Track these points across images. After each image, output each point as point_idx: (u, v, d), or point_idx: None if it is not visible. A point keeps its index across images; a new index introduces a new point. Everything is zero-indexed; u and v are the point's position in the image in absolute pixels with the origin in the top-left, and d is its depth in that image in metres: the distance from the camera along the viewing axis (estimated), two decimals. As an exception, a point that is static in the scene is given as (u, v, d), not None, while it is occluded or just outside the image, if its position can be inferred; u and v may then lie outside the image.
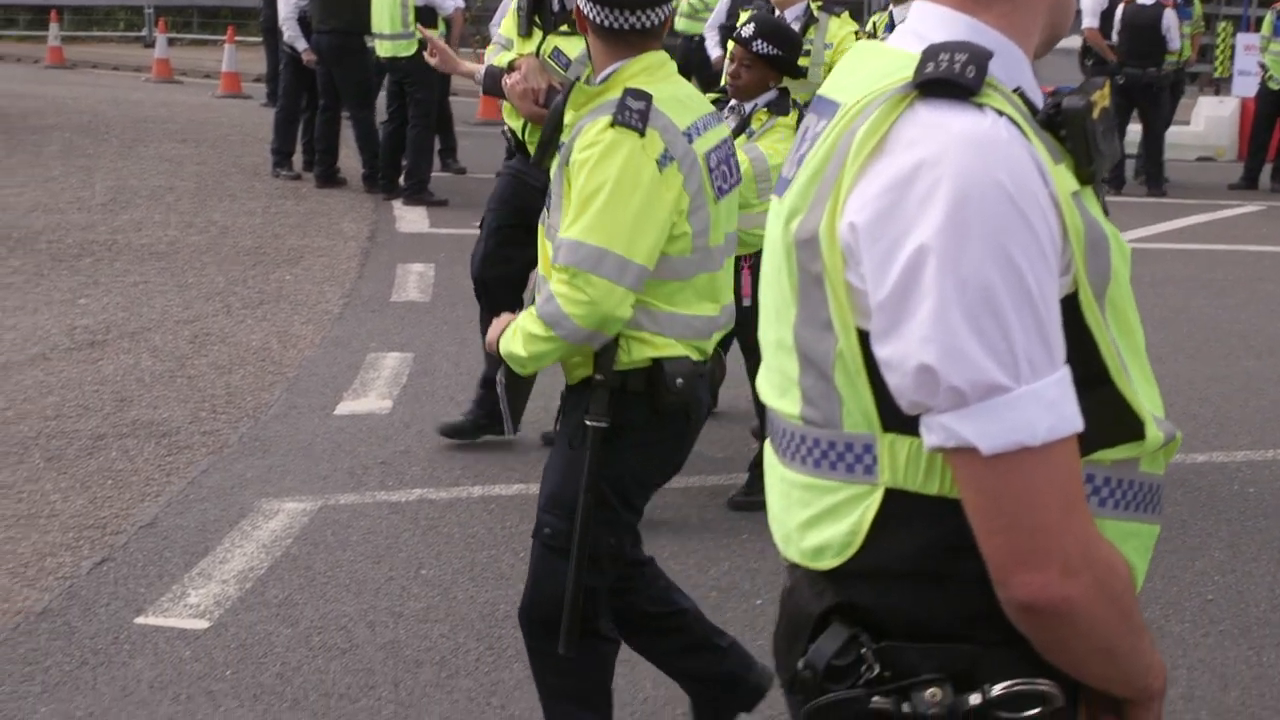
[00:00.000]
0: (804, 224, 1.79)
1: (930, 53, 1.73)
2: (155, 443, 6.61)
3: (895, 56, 1.81)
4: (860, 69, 1.85)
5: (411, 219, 12.18)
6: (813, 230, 1.76)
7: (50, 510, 5.79)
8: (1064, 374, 1.67)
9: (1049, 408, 1.65)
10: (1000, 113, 1.70)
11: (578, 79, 4.70)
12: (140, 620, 4.87)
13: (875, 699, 1.79)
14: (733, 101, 5.91)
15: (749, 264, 5.69)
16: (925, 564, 1.78)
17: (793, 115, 5.81)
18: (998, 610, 1.73)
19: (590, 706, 3.80)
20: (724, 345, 3.98)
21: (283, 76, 13.85)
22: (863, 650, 1.80)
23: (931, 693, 1.77)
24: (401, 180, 12.91)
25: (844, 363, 1.77)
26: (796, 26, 7.11)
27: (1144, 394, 1.79)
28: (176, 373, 7.73)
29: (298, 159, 13.82)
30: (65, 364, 7.80)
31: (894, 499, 1.78)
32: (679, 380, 3.55)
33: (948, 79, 1.69)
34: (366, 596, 5.11)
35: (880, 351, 1.71)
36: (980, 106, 1.69)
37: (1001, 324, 1.64)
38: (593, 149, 3.48)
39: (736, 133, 5.70)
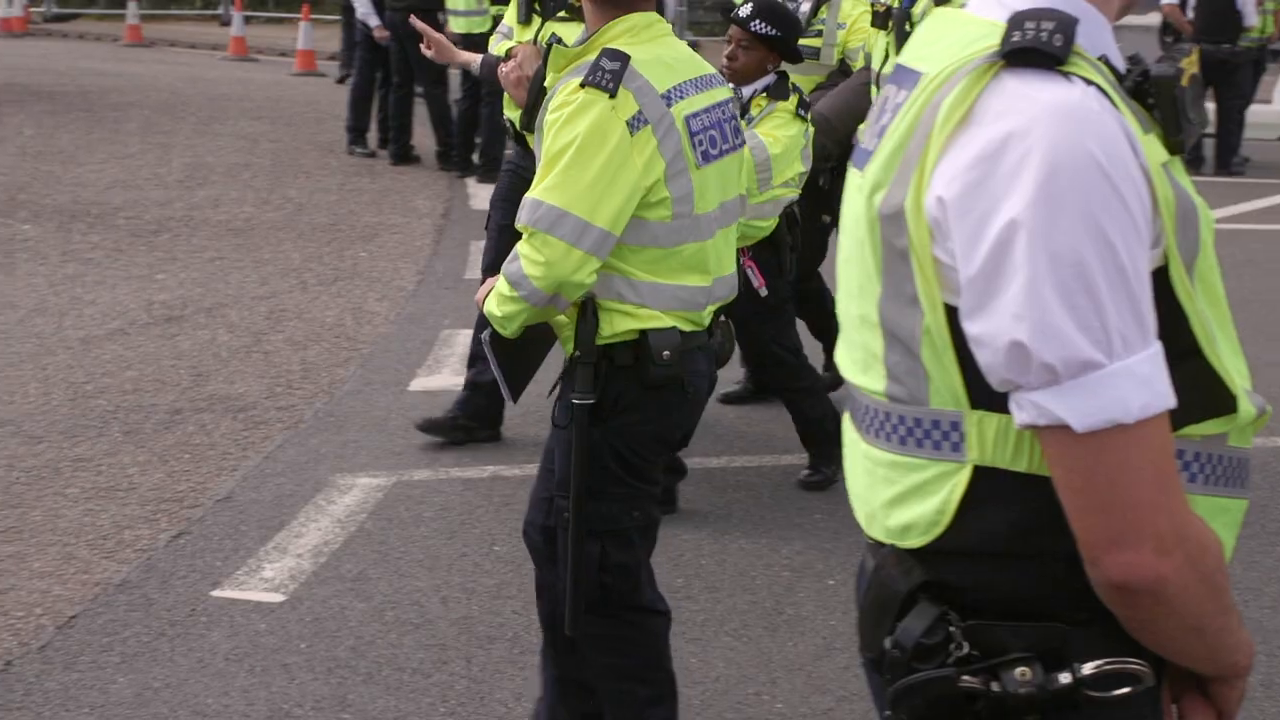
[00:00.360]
0: (888, 198, 1.76)
1: (1016, 20, 1.70)
2: (231, 418, 6.67)
3: (979, 24, 1.78)
4: (942, 37, 1.82)
5: (486, 196, 12.18)
6: (898, 204, 1.74)
7: (129, 483, 5.86)
8: (1157, 349, 1.65)
9: (1142, 384, 1.63)
10: (1089, 82, 1.67)
11: (554, 41, 4.68)
12: (216, 593, 4.92)
13: (964, 678, 1.77)
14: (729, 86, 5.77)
15: (749, 256, 5.56)
16: (1014, 542, 1.76)
17: (793, 100, 5.60)
18: (1087, 588, 1.71)
19: (647, 683, 3.72)
20: (731, 318, 3.88)
21: (357, 54, 13.91)
22: (951, 629, 1.79)
23: (1021, 671, 1.75)
24: (475, 157, 12.94)
25: (931, 339, 1.75)
26: (808, 6, 6.87)
27: (1233, 367, 1.76)
28: (252, 348, 7.80)
29: (372, 136, 13.88)
30: (143, 339, 7.88)
31: (982, 476, 1.76)
32: (666, 353, 3.47)
33: (1035, 47, 1.67)
34: (440, 572, 5.14)
35: (970, 328, 1.69)
36: (1068, 76, 1.67)
37: (1094, 299, 1.61)
38: (562, 110, 3.40)
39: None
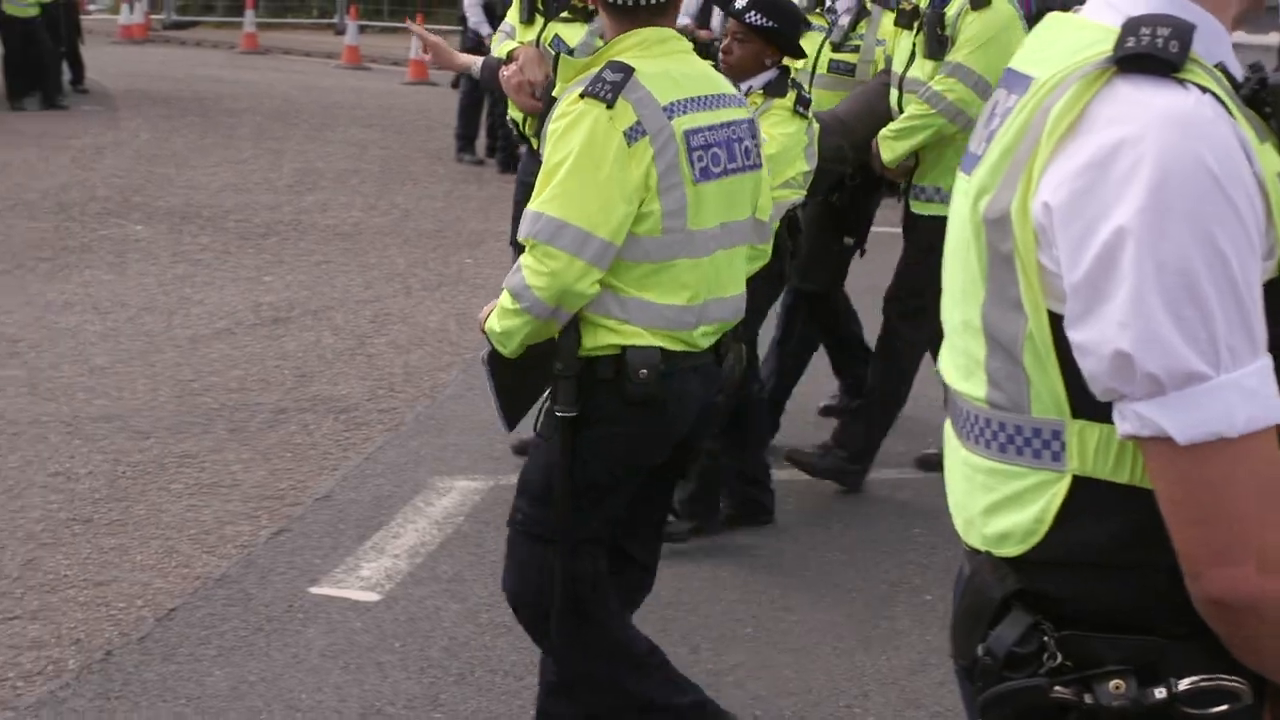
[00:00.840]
0: (994, 202, 1.73)
1: (1131, 26, 1.66)
2: (334, 418, 6.73)
3: (1092, 30, 1.75)
4: (1055, 42, 1.80)
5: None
6: (1003, 209, 1.71)
7: (231, 480, 5.92)
8: (1266, 363, 1.61)
9: (1249, 397, 1.59)
10: (1204, 89, 1.63)
11: (560, 52, 4.62)
12: (314, 590, 4.95)
13: (1056, 689, 1.74)
14: None
15: None
16: (1113, 554, 1.72)
17: (791, 96, 5.28)
18: (1187, 602, 1.67)
19: (578, 699, 3.73)
20: (748, 341, 3.85)
21: (468, 62, 14.01)
22: (1045, 639, 1.75)
23: (1115, 684, 1.71)
24: None
25: (1033, 345, 1.72)
26: (846, 20, 6.58)
27: None
28: (356, 351, 7.86)
29: (481, 144, 13.97)
30: (250, 339, 7.97)
31: (1082, 487, 1.73)
32: (643, 371, 3.42)
33: (1150, 54, 1.63)
34: (535, 576, 5.14)
35: (1074, 336, 1.66)
36: (1183, 83, 1.63)
37: (1202, 310, 1.58)
38: (561, 120, 3.39)
39: None
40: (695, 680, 4.04)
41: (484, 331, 3.53)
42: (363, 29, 25.52)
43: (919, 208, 5.92)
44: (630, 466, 3.62)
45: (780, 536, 5.55)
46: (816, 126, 5.51)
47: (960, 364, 1.87)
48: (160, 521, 5.50)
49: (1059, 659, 1.75)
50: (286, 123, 15.78)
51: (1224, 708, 1.71)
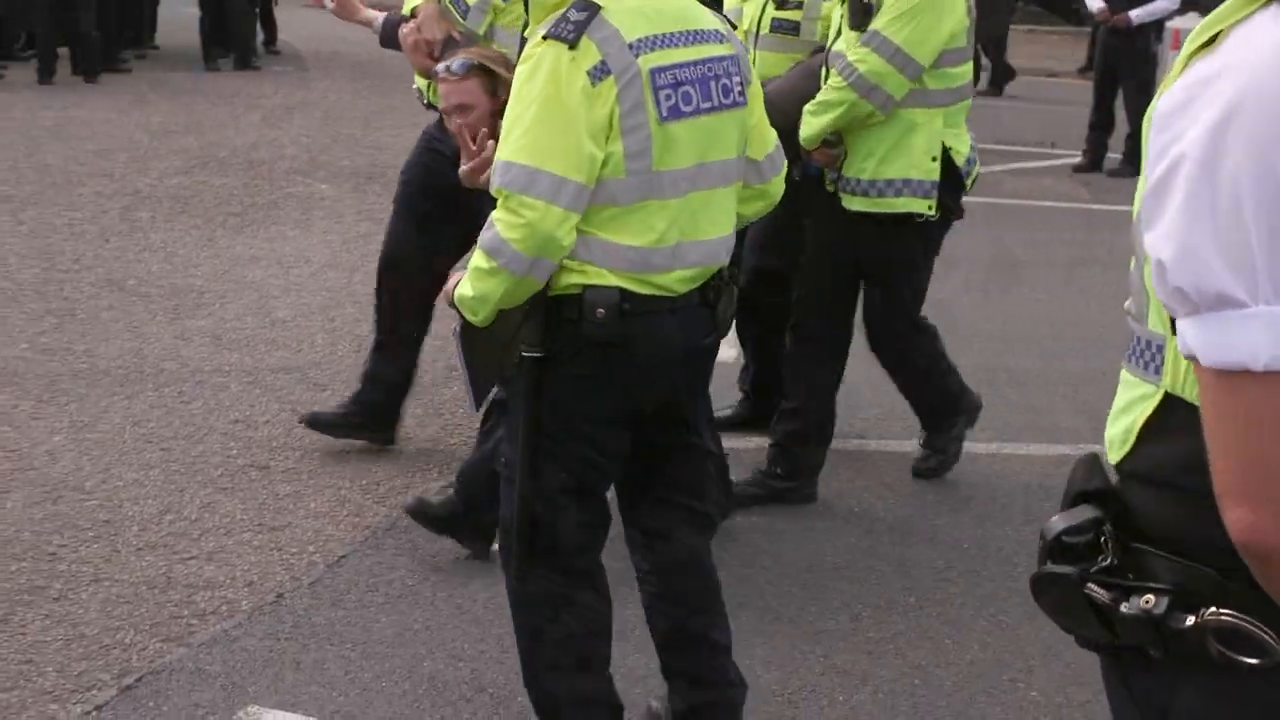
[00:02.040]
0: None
1: None
2: (506, 376, 6.80)
3: None
4: None
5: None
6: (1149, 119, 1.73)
7: (405, 434, 6.02)
8: None
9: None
10: None
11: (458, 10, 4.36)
12: (481, 544, 5.02)
13: (1090, 586, 1.74)
14: None
15: None
16: (1184, 476, 1.70)
17: None
18: None
19: (540, 639, 3.61)
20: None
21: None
22: (1103, 540, 1.75)
23: (1147, 599, 1.70)
24: None
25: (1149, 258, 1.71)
26: None
27: None
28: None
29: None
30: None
31: (1168, 405, 1.72)
32: (600, 311, 3.33)
33: None
34: (698, 538, 5.15)
35: (1145, 244, 1.66)
36: None
37: (1246, 236, 1.54)
38: (525, 64, 3.30)
39: None
40: (844, 642, 4.04)
41: (453, 304, 3.44)
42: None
43: (850, 203, 5.28)
44: (599, 413, 3.51)
45: (943, 509, 5.53)
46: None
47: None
48: (334, 471, 5.63)
49: (1111, 560, 1.74)
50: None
51: (1254, 660, 1.66)
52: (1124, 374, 1.84)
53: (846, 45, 5.14)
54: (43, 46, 14.63)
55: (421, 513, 4.88)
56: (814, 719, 4.10)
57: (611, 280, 3.36)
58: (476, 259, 3.34)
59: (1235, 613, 1.67)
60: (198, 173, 10.97)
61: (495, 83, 4.18)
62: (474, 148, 3.81)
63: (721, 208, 3.54)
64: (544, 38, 3.29)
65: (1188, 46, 1.68)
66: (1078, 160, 13.03)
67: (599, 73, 3.27)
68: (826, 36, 5.49)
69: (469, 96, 4.19)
